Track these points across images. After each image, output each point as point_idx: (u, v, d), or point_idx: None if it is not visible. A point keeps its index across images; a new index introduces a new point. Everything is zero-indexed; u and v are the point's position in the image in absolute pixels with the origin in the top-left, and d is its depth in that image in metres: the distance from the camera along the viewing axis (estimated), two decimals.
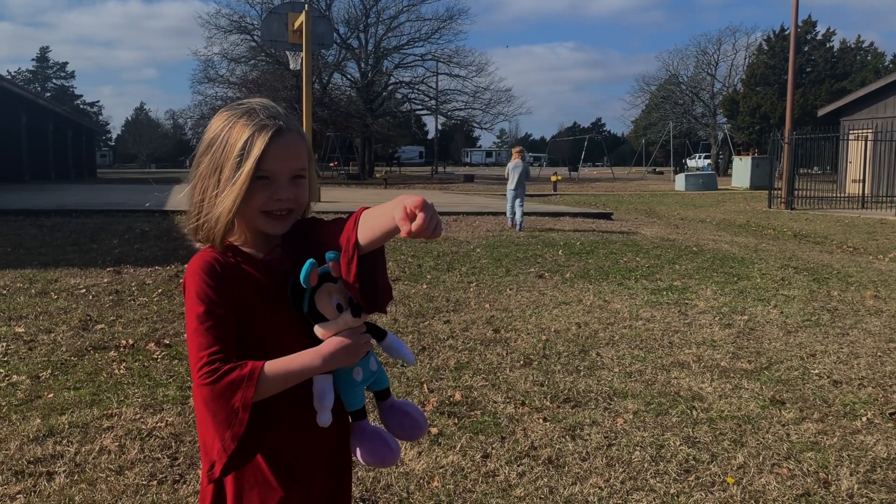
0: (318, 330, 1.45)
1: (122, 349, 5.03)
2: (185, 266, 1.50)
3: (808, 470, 3.33)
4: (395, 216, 1.28)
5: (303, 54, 16.04)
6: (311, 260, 1.39)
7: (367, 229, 1.37)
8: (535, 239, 11.10)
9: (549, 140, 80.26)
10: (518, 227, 12.39)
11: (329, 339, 1.44)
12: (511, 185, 12.83)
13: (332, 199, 18.83)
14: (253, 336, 1.43)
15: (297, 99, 33.36)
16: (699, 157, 64.74)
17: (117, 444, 3.48)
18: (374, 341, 1.57)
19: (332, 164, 52.38)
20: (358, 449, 1.54)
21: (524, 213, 12.72)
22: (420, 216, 1.25)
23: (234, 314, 1.40)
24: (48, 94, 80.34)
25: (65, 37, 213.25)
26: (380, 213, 1.36)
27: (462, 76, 47.75)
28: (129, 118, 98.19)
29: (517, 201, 12.55)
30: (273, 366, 1.38)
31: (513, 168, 13.01)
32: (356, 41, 46.97)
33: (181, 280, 1.46)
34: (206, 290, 1.39)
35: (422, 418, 1.62)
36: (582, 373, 4.69)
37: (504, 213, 13.60)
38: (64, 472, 3.18)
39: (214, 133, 1.46)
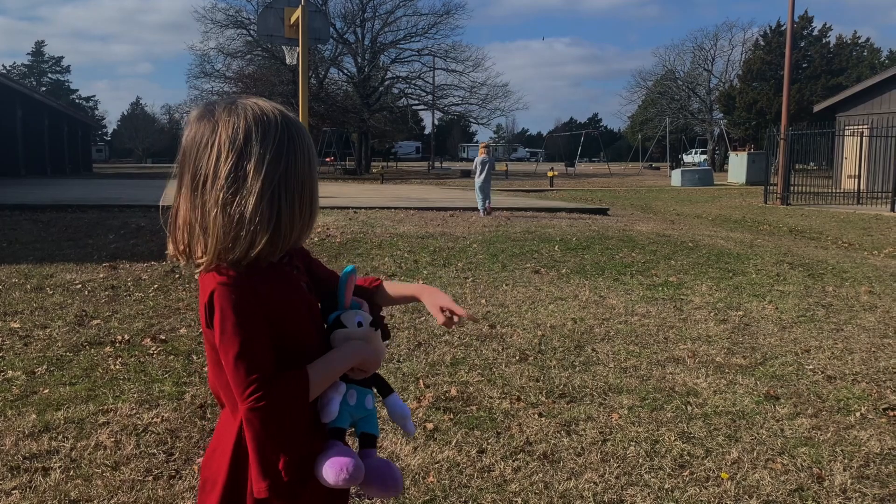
0: (338, 333, 1.51)
1: (117, 345, 5.02)
2: (204, 282, 1.38)
3: (801, 465, 3.34)
4: (437, 319, 1.58)
5: (299, 49, 16.00)
6: (345, 276, 1.54)
7: (388, 296, 1.66)
8: (531, 234, 11.11)
9: (546, 135, 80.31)
10: (485, 213, 13.99)
11: (351, 341, 1.50)
12: (478, 177, 14.26)
13: (329, 194, 18.81)
14: (285, 343, 1.41)
15: (293, 94, 33.31)
16: (695, 153, 64.83)
17: (113, 439, 3.48)
18: (378, 395, 1.61)
19: (328, 160, 52.36)
20: (323, 464, 1.44)
21: (485, 202, 14.28)
22: (458, 311, 1.58)
23: (271, 329, 1.37)
24: (44, 89, 80.00)
25: (60, 31, 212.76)
26: (401, 289, 1.70)
27: (459, 71, 47.79)
28: (125, 113, 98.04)
29: (485, 190, 14.19)
30: (314, 369, 1.41)
31: (480, 162, 14.27)
32: (353, 36, 46.93)
33: (208, 300, 1.35)
34: (249, 315, 1.33)
35: (399, 484, 1.57)
36: (577, 368, 4.70)
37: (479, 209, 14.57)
38: (59, 467, 3.19)
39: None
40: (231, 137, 1.33)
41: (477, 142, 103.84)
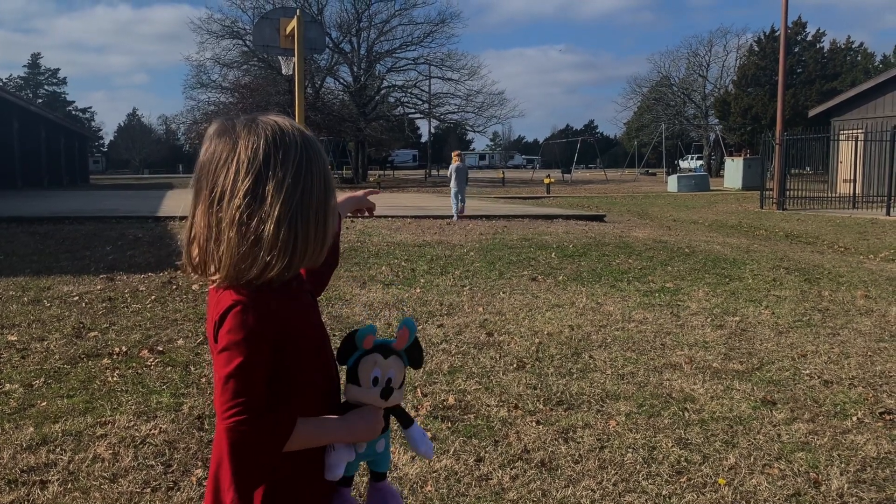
0: (350, 389, 1.48)
1: (115, 356, 5.02)
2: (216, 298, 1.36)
3: (798, 470, 3.35)
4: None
5: (295, 59, 16.05)
6: (372, 325, 1.50)
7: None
8: (528, 242, 11.13)
9: (542, 142, 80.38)
10: (457, 216, 14.87)
11: (355, 412, 1.47)
12: (453, 183, 15.24)
13: None
14: (288, 365, 1.39)
15: (289, 104, 33.33)
16: (691, 159, 64.96)
17: (111, 451, 3.48)
18: (399, 427, 1.61)
19: None
20: None
21: (464, 205, 15.43)
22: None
23: (276, 354, 1.36)
24: (40, 101, 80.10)
25: (55, 42, 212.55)
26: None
27: (455, 79, 47.86)
28: (122, 124, 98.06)
29: (459, 196, 15.07)
30: (305, 425, 1.38)
31: (455, 169, 15.35)
32: (348, 45, 47.02)
33: (220, 316, 1.33)
34: (257, 340, 1.32)
35: None
36: (574, 375, 4.71)
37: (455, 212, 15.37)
38: (57, 480, 3.19)
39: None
40: (250, 157, 1.32)
41: (473, 149, 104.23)
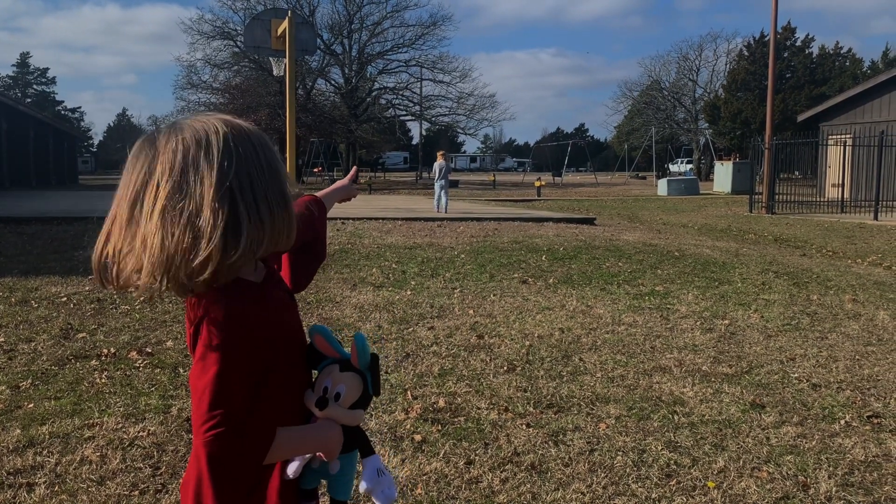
0: (307, 394, 1.47)
1: (103, 358, 4.99)
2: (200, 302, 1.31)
3: (787, 473, 3.37)
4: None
5: (286, 60, 16.02)
6: (324, 327, 1.51)
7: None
8: (519, 244, 11.14)
9: (534, 145, 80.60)
10: (443, 210, 16.50)
11: (317, 423, 1.45)
12: (437, 179, 17.23)
13: None
14: (265, 371, 1.35)
15: (280, 105, 33.28)
16: (681, 162, 65.24)
17: (98, 454, 3.46)
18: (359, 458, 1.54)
19: (316, 170, 52.32)
20: None
21: (448, 200, 17.31)
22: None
23: (255, 354, 1.32)
24: (29, 101, 79.63)
25: (42, 42, 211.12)
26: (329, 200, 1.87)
27: (446, 82, 48.03)
28: (112, 124, 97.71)
29: (443, 192, 16.96)
30: (284, 434, 1.36)
31: (439, 167, 17.39)
32: (340, 47, 47.06)
33: (197, 323, 1.30)
34: (235, 346, 1.27)
35: None
36: (565, 378, 4.72)
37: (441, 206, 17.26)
38: (44, 483, 3.16)
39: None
40: (171, 159, 1.25)
41: (465, 152, 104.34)
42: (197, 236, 1.22)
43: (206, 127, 1.29)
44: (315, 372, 1.52)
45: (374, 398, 1.53)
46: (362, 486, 1.48)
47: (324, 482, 1.54)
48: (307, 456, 1.44)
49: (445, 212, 16.42)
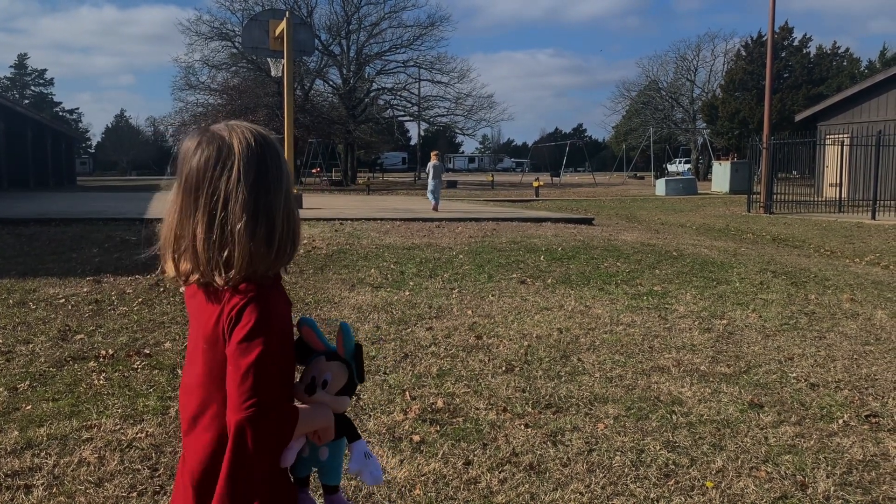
0: (297, 390, 1.55)
1: (101, 359, 4.99)
2: (247, 294, 1.43)
3: (785, 473, 3.37)
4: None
5: (284, 61, 16.02)
6: (310, 319, 1.60)
7: None
8: (517, 245, 11.14)
9: (532, 146, 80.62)
10: (435, 208, 17.12)
11: (313, 406, 1.53)
12: (430, 178, 17.85)
13: (316, 205, 18.79)
14: (287, 357, 1.50)
15: (278, 105, 33.28)
16: (679, 162, 65.28)
17: (96, 455, 3.45)
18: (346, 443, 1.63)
19: (314, 171, 52.32)
20: None
21: (439, 198, 17.90)
22: None
23: (282, 349, 1.46)
24: (27, 102, 79.54)
25: (40, 43, 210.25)
26: None
27: (444, 83, 47.92)
28: (110, 125, 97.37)
29: (436, 190, 17.67)
30: (301, 412, 1.48)
31: (432, 166, 17.98)
32: (338, 48, 46.96)
33: (241, 307, 1.40)
34: (279, 332, 1.42)
35: None
36: (563, 378, 4.72)
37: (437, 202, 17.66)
38: (42, 484, 3.16)
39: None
40: (247, 158, 1.43)
41: (463, 152, 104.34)
42: (273, 239, 1.43)
43: (257, 134, 1.48)
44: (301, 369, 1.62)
45: (359, 384, 1.63)
46: (352, 468, 1.59)
47: (315, 474, 1.64)
48: (299, 444, 1.53)
49: (435, 209, 16.89)
